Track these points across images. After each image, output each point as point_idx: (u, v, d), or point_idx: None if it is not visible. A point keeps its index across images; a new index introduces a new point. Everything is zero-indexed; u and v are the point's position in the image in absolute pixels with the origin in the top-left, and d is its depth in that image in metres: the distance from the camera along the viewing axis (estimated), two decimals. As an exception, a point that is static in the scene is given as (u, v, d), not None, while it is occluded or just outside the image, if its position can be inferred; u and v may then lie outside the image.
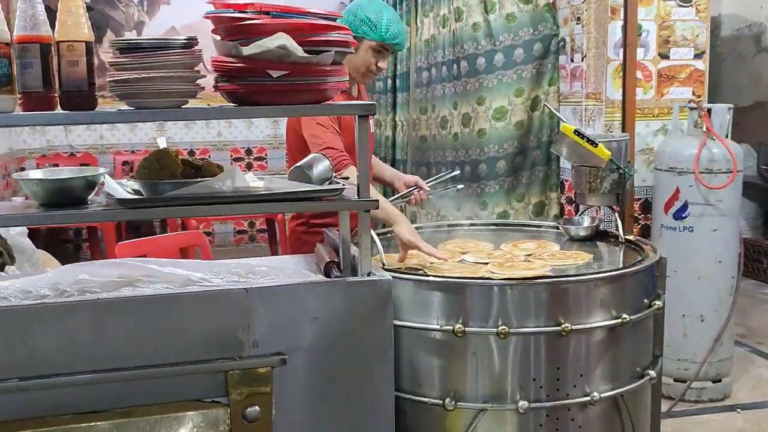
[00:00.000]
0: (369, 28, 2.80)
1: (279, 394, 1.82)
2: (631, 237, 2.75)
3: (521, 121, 4.27)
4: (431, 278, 2.25)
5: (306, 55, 1.67)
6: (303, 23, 1.69)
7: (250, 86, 1.72)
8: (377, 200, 1.84)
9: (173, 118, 1.70)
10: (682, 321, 3.74)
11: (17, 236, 4.47)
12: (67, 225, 6.54)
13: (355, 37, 2.79)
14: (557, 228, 2.94)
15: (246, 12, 1.69)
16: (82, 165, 7.24)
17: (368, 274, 1.88)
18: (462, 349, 2.21)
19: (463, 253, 2.67)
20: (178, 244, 3.41)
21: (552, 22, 4.21)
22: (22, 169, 7.12)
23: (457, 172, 3.21)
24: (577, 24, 4.02)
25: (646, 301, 2.40)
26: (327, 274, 2.07)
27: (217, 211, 1.70)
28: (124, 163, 7.30)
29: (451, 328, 2.17)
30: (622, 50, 3.79)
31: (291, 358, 1.81)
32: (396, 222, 2.56)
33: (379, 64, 2.86)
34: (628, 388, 2.33)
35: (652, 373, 2.40)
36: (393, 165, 5.77)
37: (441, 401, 2.21)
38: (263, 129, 7.44)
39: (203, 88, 1.78)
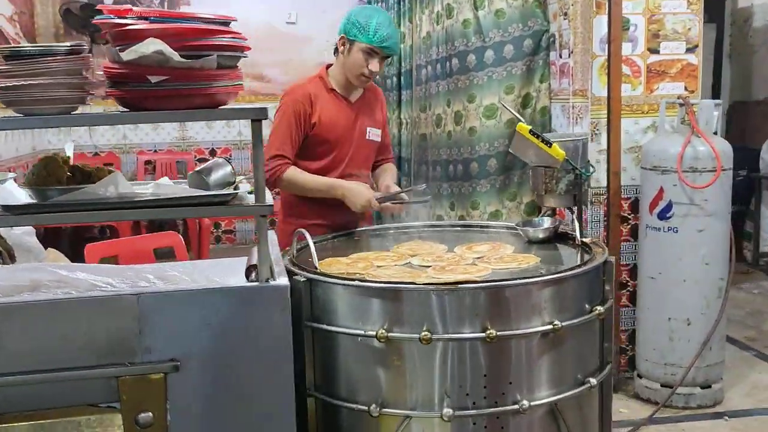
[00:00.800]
0: (358, 31, 2.91)
1: (174, 400, 1.81)
2: (587, 239, 2.66)
3: (512, 119, 4.17)
4: (357, 283, 2.21)
5: (183, 60, 1.65)
6: (182, 28, 1.68)
7: (133, 92, 1.72)
8: (271, 205, 1.82)
9: (60, 124, 1.70)
10: (668, 324, 3.62)
11: (23, 235, 4.57)
12: (90, 224, 6.66)
13: (348, 40, 2.96)
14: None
15: (126, 18, 1.68)
16: (105, 164, 7.37)
17: (266, 281, 1.85)
18: (386, 354, 2.17)
19: (413, 256, 2.63)
20: (151, 245, 3.44)
21: (542, 18, 4.11)
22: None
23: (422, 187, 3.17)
24: (564, 19, 3.92)
25: (587, 306, 2.33)
26: (247, 278, 2.06)
27: (99, 218, 1.70)
28: (147, 162, 7.43)
29: (374, 333, 2.14)
30: (607, 46, 3.68)
31: (185, 364, 1.80)
32: (344, 198, 2.83)
33: (370, 67, 2.94)
34: (563, 396, 2.26)
35: (593, 380, 2.31)
36: (399, 163, 5.74)
37: (367, 407, 2.19)
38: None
39: (92, 94, 1.78)
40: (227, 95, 1.81)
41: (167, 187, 1.80)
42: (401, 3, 5.46)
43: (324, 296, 2.26)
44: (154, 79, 1.66)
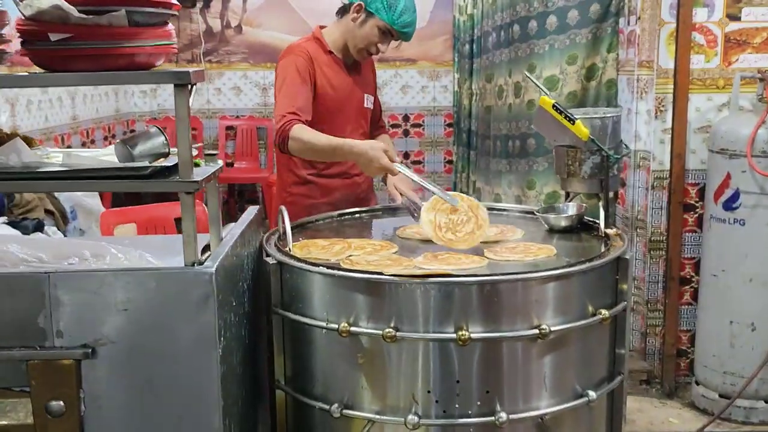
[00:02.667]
0: (382, 7, 2.71)
1: (90, 389, 1.67)
2: (612, 230, 2.33)
3: (574, 92, 3.81)
4: (322, 269, 1.99)
5: (82, 15, 1.48)
6: (85, -21, 1.50)
7: (38, 51, 1.56)
8: (197, 181, 1.63)
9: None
10: (729, 329, 3.21)
11: (83, 196, 4.61)
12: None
13: (366, 11, 2.74)
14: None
15: (29, -33, 1.51)
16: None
17: (192, 265, 1.67)
18: (350, 351, 1.97)
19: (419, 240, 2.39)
20: (172, 213, 3.33)
21: (612, -20, 3.71)
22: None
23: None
24: (634, -19, 3.52)
25: (591, 308, 2.02)
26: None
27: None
28: (228, 128, 7.42)
29: (336, 327, 1.93)
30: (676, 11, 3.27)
31: (100, 351, 1.65)
32: (358, 159, 2.52)
33: (379, 46, 2.76)
34: (554, 410, 1.98)
35: (593, 393, 2.02)
36: (468, 136, 5.44)
37: (329, 407, 1.99)
38: (414, 95, 7.14)
39: (8, 53, 1.63)
40: (151, 56, 1.62)
41: (79, 157, 1.64)
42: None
43: (292, 282, 2.07)
44: (54, 36, 1.49)
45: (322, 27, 2.88)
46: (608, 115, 2.41)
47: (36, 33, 1.53)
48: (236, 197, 7.55)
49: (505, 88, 4.29)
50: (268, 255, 2.13)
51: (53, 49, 1.52)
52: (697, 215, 3.46)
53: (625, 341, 2.17)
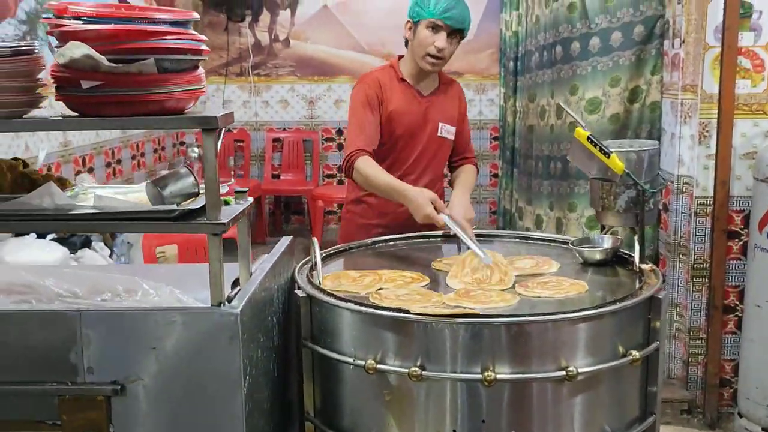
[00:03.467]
0: (420, 8, 2.81)
1: (120, 425, 1.71)
2: (647, 266, 2.29)
3: (617, 114, 3.76)
4: (350, 305, 2.00)
5: (111, 64, 1.52)
6: (114, 30, 1.54)
7: (70, 97, 1.61)
8: (224, 223, 1.66)
9: (5, 129, 1.62)
10: (774, 361, 3.13)
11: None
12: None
13: (413, 23, 2.84)
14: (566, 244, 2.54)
15: (63, 17, 1.56)
16: (236, 141, 7.55)
17: (219, 304, 1.70)
18: (377, 387, 1.97)
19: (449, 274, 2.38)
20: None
21: (657, 2, 3.65)
22: (182, 144, 7.55)
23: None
24: (678, 3, 3.45)
25: (621, 349, 2.00)
26: (232, 290, 1.93)
27: (31, 228, 1.61)
28: (275, 140, 7.50)
29: (363, 363, 1.94)
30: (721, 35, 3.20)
31: (130, 388, 1.69)
32: (407, 205, 2.60)
33: (436, 44, 2.79)
34: (581, 452, 1.96)
35: (624, 437, 1.99)
36: (512, 153, 5.41)
37: (354, 443, 2.00)
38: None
39: (45, 98, 1.68)
40: (179, 101, 1.65)
41: (108, 199, 1.68)
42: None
43: (321, 315, 2.09)
44: (85, 84, 1.53)
45: (400, 57, 2.98)
46: (644, 148, 2.38)
47: (69, 80, 1.57)
48: (282, 209, 7.65)
49: (548, 109, 4.26)
50: (298, 287, 2.16)
51: (85, 95, 1.57)
52: (741, 243, 3.38)
53: (658, 380, 2.13)
